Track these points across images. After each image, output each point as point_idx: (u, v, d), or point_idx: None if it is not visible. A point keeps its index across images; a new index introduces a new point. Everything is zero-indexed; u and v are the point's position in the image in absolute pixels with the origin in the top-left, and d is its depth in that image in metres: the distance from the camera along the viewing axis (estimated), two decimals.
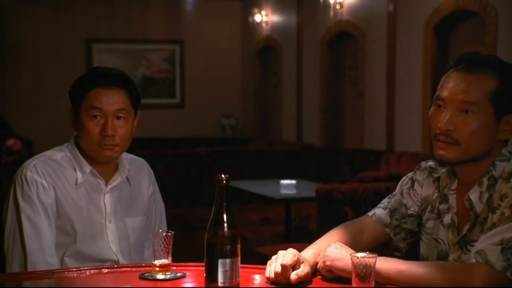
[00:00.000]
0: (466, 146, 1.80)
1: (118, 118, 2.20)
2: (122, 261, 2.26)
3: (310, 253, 1.89)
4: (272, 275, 1.76)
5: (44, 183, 2.17)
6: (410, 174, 2.07)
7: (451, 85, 1.82)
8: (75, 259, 2.20)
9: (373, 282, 1.63)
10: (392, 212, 2.03)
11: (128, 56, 8.72)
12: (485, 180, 1.82)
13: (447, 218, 1.90)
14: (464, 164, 1.84)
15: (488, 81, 1.80)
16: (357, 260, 1.62)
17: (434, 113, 1.86)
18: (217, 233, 1.65)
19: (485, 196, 1.81)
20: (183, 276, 1.88)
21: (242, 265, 1.71)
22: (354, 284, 1.63)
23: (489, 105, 1.79)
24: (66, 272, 1.97)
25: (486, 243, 1.71)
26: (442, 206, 1.93)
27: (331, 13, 6.68)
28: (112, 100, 2.19)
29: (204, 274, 1.67)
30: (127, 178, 2.32)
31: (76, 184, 2.22)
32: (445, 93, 1.83)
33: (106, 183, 2.27)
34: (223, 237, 1.64)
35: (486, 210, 1.80)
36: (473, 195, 1.82)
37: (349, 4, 6.47)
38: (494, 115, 1.80)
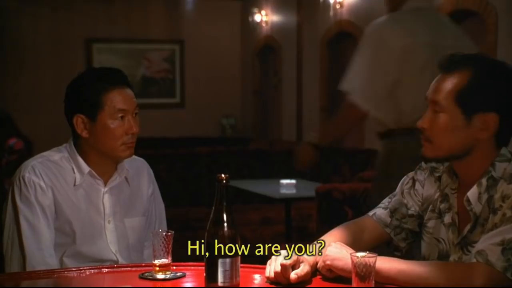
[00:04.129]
0: (438, 144, 1.84)
1: (135, 115, 2.24)
2: (121, 261, 2.25)
3: None
4: (272, 274, 1.76)
5: (42, 184, 2.17)
6: (411, 174, 2.07)
7: (431, 84, 1.88)
8: (74, 259, 2.20)
9: (373, 281, 1.63)
10: (393, 212, 2.03)
11: (128, 56, 8.71)
12: (484, 181, 1.82)
13: (447, 218, 1.90)
14: (444, 161, 1.90)
15: (459, 79, 1.82)
16: (357, 260, 1.62)
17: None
18: (217, 233, 1.65)
19: (484, 196, 1.81)
20: (183, 276, 1.88)
21: (242, 265, 1.71)
22: (354, 284, 1.63)
23: (454, 104, 1.81)
24: (66, 272, 1.97)
25: (487, 243, 1.71)
26: (443, 206, 1.93)
27: (331, 13, 6.68)
28: (130, 99, 2.22)
29: (204, 274, 1.67)
30: (126, 178, 2.32)
31: (74, 185, 2.22)
32: (427, 92, 1.88)
33: (105, 183, 2.27)
34: (223, 236, 1.65)
35: (487, 211, 1.80)
36: (472, 195, 1.82)
37: (349, 4, 6.46)
38: (462, 114, 1.81)
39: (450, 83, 1.82)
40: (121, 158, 2.25)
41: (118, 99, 2.19)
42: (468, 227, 1.84)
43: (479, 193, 1.81)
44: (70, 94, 2.23)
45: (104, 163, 2.25)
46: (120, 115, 2.19)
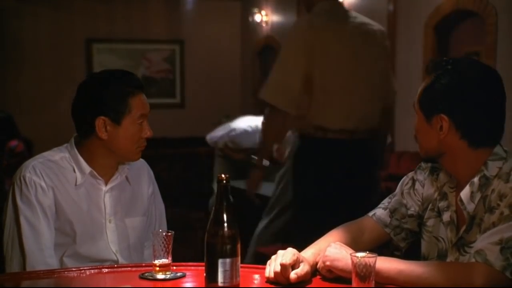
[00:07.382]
0: (419, 145, 1.92)
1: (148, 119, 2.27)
2: (121, 261, 2.26)
3: (309, 253, 1.89)
4: (272, 275, 1.77)
5: (43, 184, 2.17)
6: (410, 174, 2.07)
7: None
8: (74, 259, 2.20)
9: (373, 282, 1.63)
10: (392, 212, 2.03)
11: (128, 56, 8.71)
12: (476, 180, 1.82)
13: (446, 216, 1.91)
14: (427, 161, 1.96)
15: (424, 83, 1.88)
16: (357, 260, 1.62)
17: None
18: (217, 233, 1.65)
19: (477, 195, 1.81)
20: (183, 276, 1.88)
21: (242, 265, 1.71)
22: (354, 284, 1.63)
23: (418, 106, 1.88)
24: (66, 272, 1.98)
25: (486, 242, 1.71)
26: (442, 204, 1.93)
27: None
28: (147, 104, 2.25)
29: (204, 274, 1.68)
30: (126, 177, 2.32)
31: (75, 185, 2.22)
32: None
33: (106, 183, 2.27)
34: (223, 237, 1.65)
35: (482, 210, 1.80)
36: (464, 195, 1.83)
37: (349, 4, 6.46)
38: (424, 116, 1.86)
39: (420, 87, 1.89)
40: (132, 160, 2.29)
41: (141, 104, 2.22)
42: (464, 227, 1.84)
43: (472, 192, 1.82)
44: (92, 96, 2.20)
45: (107, 164, 2.26)
46: (143, 119, 2.23)
